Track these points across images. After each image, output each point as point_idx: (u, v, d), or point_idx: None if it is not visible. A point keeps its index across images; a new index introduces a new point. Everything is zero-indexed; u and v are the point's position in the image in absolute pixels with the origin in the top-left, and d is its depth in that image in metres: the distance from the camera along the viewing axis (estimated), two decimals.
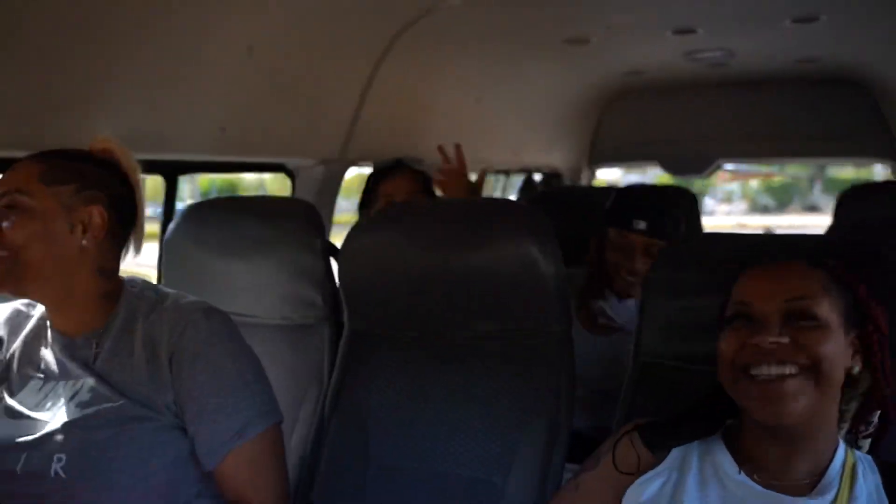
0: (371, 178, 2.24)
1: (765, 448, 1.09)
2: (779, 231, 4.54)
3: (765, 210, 14.10)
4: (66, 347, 1.30)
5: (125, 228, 1.34)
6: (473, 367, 1.51)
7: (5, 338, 1.37)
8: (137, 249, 1.37)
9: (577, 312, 1.98)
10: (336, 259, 1.73)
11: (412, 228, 1.53)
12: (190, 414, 1.25)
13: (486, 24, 2.64)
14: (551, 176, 4.70)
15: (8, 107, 1.55)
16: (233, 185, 5.49)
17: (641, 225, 1.91)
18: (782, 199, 14.77)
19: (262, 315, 1.74)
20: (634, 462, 1.16)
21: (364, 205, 2.24)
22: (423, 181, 2.23)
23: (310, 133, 2.46)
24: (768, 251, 1.24)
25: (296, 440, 1.66)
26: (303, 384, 1.69)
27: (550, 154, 4.57)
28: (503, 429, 1.46)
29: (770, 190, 14.39)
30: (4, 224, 1.23)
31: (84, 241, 1.26)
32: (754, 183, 14.13)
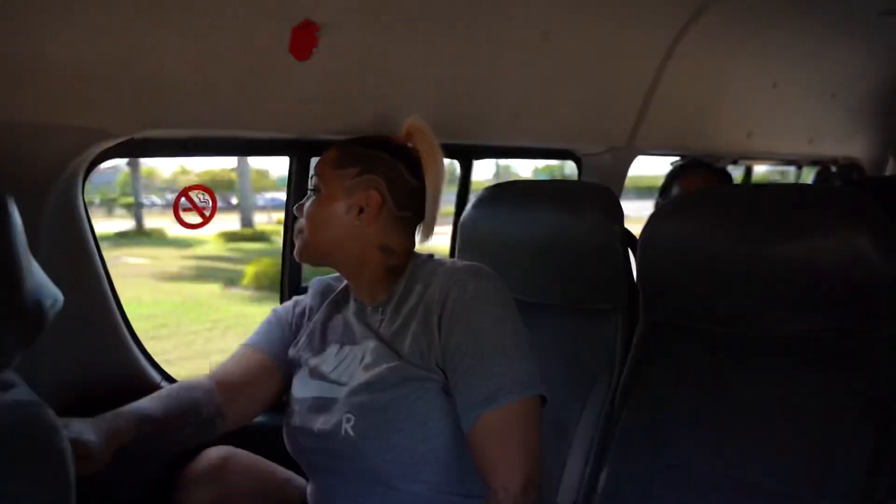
0: (668, 175, 2.33)
1: None
2: None
3: None
4: (360, 314, 1.42)
5: (409, 211, 1.41)
6: (783, 369, 1.38)
7: (315, 307, 1.50)
8: (425, 236, 1.44)
9: None
10: (631, 246, 1.68)
11: (721, 215, 1.43)
12: (450, 374, 1.27)
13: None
14: (849, 168, 4.25)
15: (326, 94, 1.66)
16: None
17: None
18: None
19: (555, 299, 1.74)
20: None
21: (663, 193, 2.33)
22: (720, 179, 2.23)
23: (598, 120, 2.42)
24: None
25: (583, 426, 1.63)
26: (592, 371, 1.66)
27: (849, 143, 4.13)
28: (816, 441, 1.32)
29: None
30: (307, 205, 1.41)
31: (357, 222, 1.37)
32: None
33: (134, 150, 1.55)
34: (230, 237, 10.61)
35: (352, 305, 1.44)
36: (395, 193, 1.38)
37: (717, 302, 1.44)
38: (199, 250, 10.32)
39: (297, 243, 1.42)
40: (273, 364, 1.47)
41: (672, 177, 2.35)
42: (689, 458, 1.44)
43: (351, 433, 1.29)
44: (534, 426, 1.26)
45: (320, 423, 1.33)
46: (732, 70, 2.81)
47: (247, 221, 11.19)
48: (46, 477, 0.74)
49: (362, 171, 1.38)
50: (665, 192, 2.34)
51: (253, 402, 1.46)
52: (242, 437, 1.54)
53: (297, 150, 1.82)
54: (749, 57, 2.80)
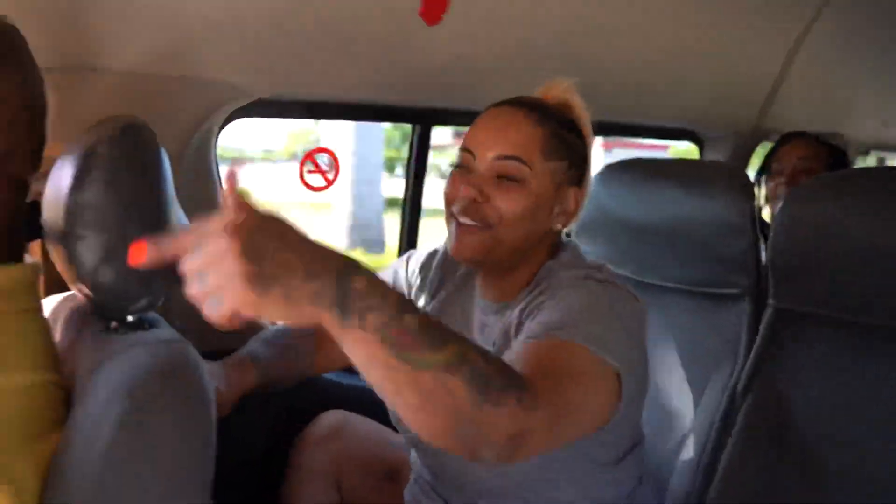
0: (775, 144, 2.29)
1: None
2: None
3: None
4: (484, 312, 1.24)
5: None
6: None
7: (428, 281, 1.37)
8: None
9: None
10: (760, 228, 1.60)
11: (867, 198, 1.33)
12: None
13: None
14: None
15: (453, 61, 1.64)
16: None
17: None
18: None
19: (677, 282, 1.68)
20: None
21: (762, 170, 2.25)
22: (829, 151, 2.12)
23: (724, 101, 2.32)
24: None
25: (701, 415, 1.58)
26: (714, 358, 1.60)
27: None
28: None
29: None
30: (493, 193, 1.12)
31: (557, 225, 1.18)
32: None
33: (263, 110, 1.58)
34: None
35: (476, 296, 1.27)
36: (581, 187, 1.20)
37: (857, 290, 1.35)
38: None
39: (468, 231, 1.13)
40: None
41: (776, 145, 2.27)
42: (818, 453, 1.36)
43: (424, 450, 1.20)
44: (589, 388, 0.97)
45: None
46: (870, 53, 2.65)
47: None
48: (191, 412, 0.75)
49: (571, 165, 1.16)
50: (767, 163, 2.25)
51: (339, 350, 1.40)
52: (357, 401, 1.56)
53: (422, 118, 1.81)
54: (889, 39, 2.63)
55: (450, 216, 1.17)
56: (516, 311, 1.13)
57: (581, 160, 1.19)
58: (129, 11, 1.17)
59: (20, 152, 0.81)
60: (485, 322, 1.23)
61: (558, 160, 1.15)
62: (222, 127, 1.53)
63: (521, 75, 1.72)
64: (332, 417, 1.50)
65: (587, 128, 1.20)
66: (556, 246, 1.22)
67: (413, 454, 1.42)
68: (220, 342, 1.57)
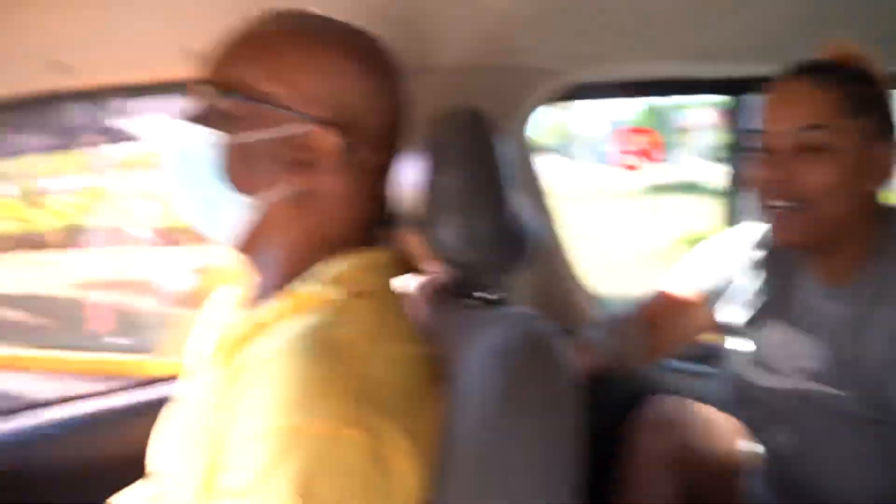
0: None
1: None
2: None
3: None
4: (813, 295, 1.16)
5: None
6: None
7: (764, 262, 1.30)
8: None
9: None
10: None
11: None
12: None
13: None
14: None
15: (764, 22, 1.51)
16: None
17: None
18: None
19: None
20: None
21: None
22: None
23: None
24: None
25: None
26: None
27: None
28: None
29: None
30: (800, 169, 1.06)
31: (875, 187, 1.09)
32: None
33: (574, 93, 1.58)
34: None
35: (809, 281, 1.18)
36: None
37: None
38: None
39: (783, 214, 1.08)
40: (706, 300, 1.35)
41: None
42: None
43: (781, 444, 1.17)
44: None
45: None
46: None
47: None
48: (560, 385, 0.76)
49: (875, 121, 1.07)
50: None
51: (673, 337, 1.39)
52: (689, 387, 1.51)
53: (741, 89, 1.70)
54: None
55: (761, 202, 1.12)
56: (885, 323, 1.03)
57: (885, 112, 1.09)
58: (456, 9, 1.23)
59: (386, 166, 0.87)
60: (811, 305, 1.16)
61: (860, 116, 1.05)
62: (530, 113, 1.55)
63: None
64: (669, 403, 1.45)
65: (882, 77, 1.09)
66: (879, 212, 1.12)
67: (761, 449, 1.34)
68: (559, 323, 1.61)
